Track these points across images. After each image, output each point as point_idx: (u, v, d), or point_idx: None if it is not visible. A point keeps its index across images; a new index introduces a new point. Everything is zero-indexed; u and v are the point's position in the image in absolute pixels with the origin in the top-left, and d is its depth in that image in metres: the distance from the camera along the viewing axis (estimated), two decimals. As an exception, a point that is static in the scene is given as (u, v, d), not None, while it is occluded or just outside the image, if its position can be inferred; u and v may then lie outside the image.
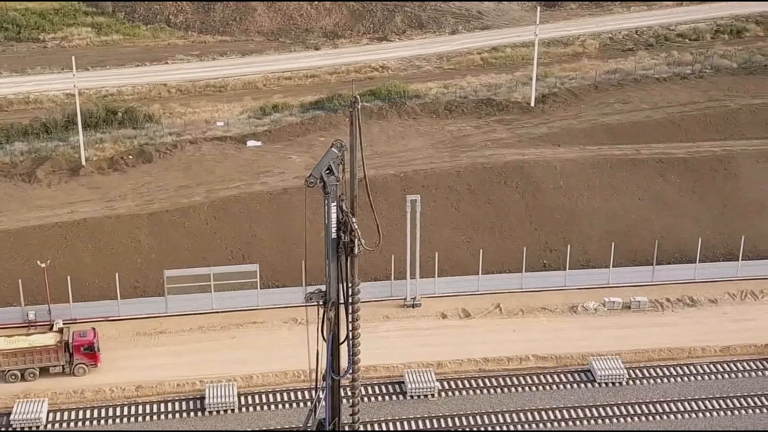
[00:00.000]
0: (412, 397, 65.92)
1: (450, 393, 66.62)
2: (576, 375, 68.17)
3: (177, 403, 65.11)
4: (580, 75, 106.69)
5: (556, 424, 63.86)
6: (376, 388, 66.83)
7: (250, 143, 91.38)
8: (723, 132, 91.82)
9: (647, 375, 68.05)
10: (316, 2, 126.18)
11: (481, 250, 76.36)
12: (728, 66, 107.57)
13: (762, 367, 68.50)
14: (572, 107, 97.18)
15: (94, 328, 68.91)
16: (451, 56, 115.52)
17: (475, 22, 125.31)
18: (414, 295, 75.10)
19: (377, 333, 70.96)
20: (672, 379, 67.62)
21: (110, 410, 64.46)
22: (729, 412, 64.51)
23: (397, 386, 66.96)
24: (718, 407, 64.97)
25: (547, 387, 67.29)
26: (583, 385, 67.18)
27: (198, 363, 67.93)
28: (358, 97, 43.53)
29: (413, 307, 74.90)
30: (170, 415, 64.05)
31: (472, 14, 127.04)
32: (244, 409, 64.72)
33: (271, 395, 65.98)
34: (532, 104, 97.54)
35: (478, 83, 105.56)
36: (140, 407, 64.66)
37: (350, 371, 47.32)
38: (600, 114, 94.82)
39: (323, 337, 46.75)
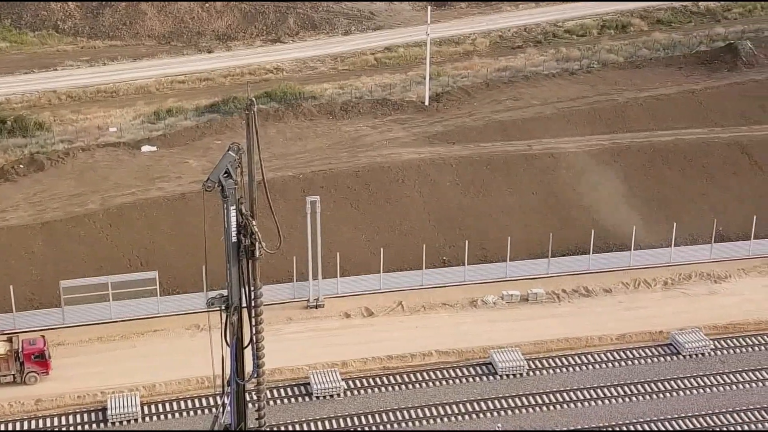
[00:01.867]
0: (318, 397, 66.07)
1: (356, 392, 66.99)
2: (478, 368, 69.26)
3: (78, 416, 63.97)
4: (472, 73, 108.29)
5: (460, 417, 64.81)
6: (282, 390, 66.77)
7: (145, 148, 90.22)
8: (611, 125, 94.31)
9: (547, 365, 69.55)
10: (208, 5, 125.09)
11: (381, 249, 76.97)
12: (615, 60, 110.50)
13: (656, 354, 70.68)
14: (465, 105, 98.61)
15: (43, 336, 67.44)
16: (345, 57, 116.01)
17: (367, 23, 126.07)
18: (317, 296, 75.26)
19: (281, 335, 70.90)
20: (571, 369, 69.26)
21: (9, 425, 62.95)
22: (627, 399, 66.40)
23: (302, 388, 67.01)
24: (616, 394, 66.79)
25: (450, 381, 68.18)
26: (485, 378, 68.32)
27: (99, 374, 66.80)
28: (253, 99, 43.41)
29: (316, 308, 75.05)
30: (71, 428, 62.89)
31: (364, 15, 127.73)
32: (147, 418, 63.95)
33: (175, 403, 65.30)
34: (427, 103, 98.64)
35: (372, 83, 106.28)
36: (40, 422, 63.31)
37: (255, 375, 47.19)
38: (492, 111, 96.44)
39: (227, 341, 46.50)
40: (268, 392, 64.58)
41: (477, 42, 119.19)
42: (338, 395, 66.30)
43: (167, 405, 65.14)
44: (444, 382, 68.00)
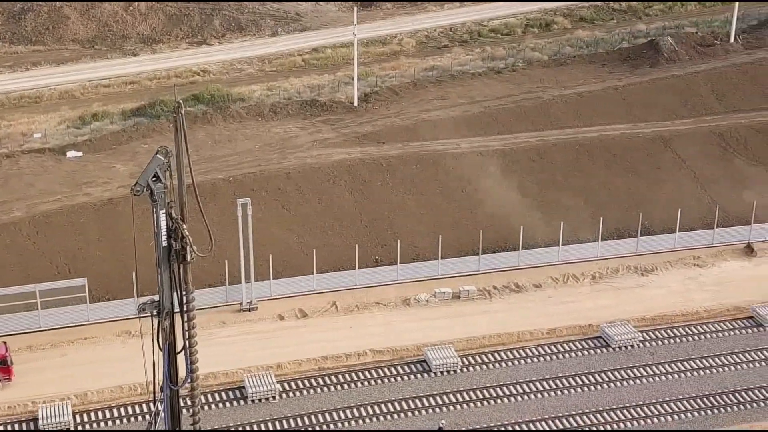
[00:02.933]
0: (253, 401, 65.86)
1: (291, 394, 66.96)
2: (412, 366, 69.67)
3: (9, 426, 62.86)
4: (400, 73, 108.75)
5: (396, 416, 65.14)
6: (217, 395, 66.44)
7: (71, 154, 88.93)
8: (537, 123, 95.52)
9: (480, 361, 70.26)
10: (132, 8, 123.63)
11: (314, 250, 76.97)
12: (539, 59, 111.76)
13: (587, 347, 71.82)
14: (394, 105, 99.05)
15: (5, 342, 66.07)
16: (272, 58, 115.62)
17: (294, 24, 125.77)
18: (250, 299, 74.98)
19: (215, 340, 70.46)
20: (503, 364, 70.03)
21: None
22: (559, 392, 67.38)
23: (237, 392, 66.75)
24: (548, 387, 67.74)
25: (385, 380, 68.51)
26: (419, 375, 68.76)
27: (29, 384, 65.75)
28: (181, 102, 43.06)
29: (250, 311, 74.78)
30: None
31: (290, 16, 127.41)
32: (80, 427, 63.12)
33: (107, 411, 64.59)
34: (355, 104, 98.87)
35: (301, 84, 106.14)
36: (-31, 434, 62.22)
37: (189, 380, 46.87)
38: (421, 111, 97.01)
39: (159, 347, 46.14)
40: (202, 397, 64.20)
41: (404, 42, 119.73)
42: (273, 398, 66.19)
43: (100, 413, 64.40)
44: (379, 381, 68.30)
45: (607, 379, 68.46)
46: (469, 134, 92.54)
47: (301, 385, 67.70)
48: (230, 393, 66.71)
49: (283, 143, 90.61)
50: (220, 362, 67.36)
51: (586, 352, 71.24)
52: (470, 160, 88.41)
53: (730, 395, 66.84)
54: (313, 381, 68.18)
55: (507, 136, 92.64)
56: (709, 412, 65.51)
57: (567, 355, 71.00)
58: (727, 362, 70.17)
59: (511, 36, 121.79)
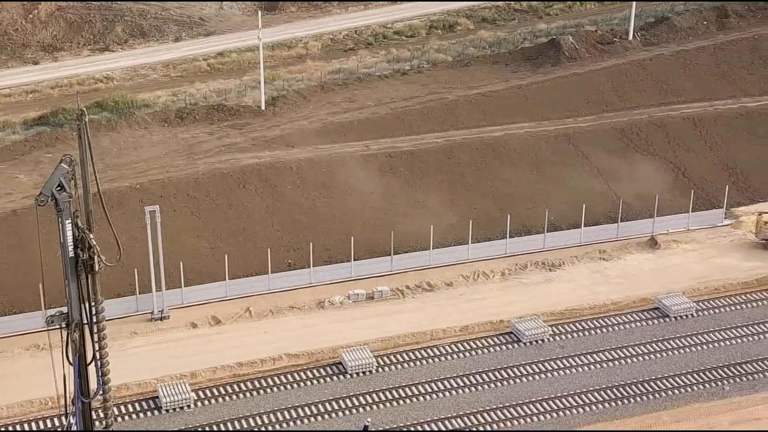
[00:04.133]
0: (167, 410, 65.20)
1: (206, 402, 66.46)
2: (328, 369, 69.80)
3: None
4: (306, 76, 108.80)
5: (312, 419, 65.19)
6: (130, 406, 65.59)
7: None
8: (444, 123, 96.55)
9: (395, 361, 70.74)
10: (32, 15, 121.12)
11: (226, 256, 76.53)
12: (444, 60, 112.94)
13: (498, 342, 72.88)
14: (302, 108, 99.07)
15: None
16: (177, 63, 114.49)
17: (198, 29, 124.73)
18: (161, 308, 74.18)
19: (126, 350, 69.62)
20: (418, 362, 70.65)
21: None
22: (473, 388, 68.24)
23: (151, 402, 66.00)
24: (462, 384, 68.54)
25: (302, 384, 68.51)
26: (335, 378, 68.94)
27: (-66, 402, 64.10)
28: (84, 109, 42.51)
29: (161, 320, 73.99)
30: None
31: (194, 21, 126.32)
32: (-11, 444, 61.81)
33: (18, 426, 63.25)
34: (263, 107, 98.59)
35: (207, 89, 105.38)
36: None
37: (101, 392, 46.28)
38: (329, 113, 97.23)
39: (69, 360, 45.46)
40: (115, 409, 63.32)
41: (309, 45, 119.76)
42: (188, 407, 65.62)
43: (10, 429, 62.97)
44: (295, 385, 68.27)
45: (519, 374, 69.59)
46: (378, 136, 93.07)
47: (216, 393, 67.25)
48: (144, 403, 65.91)
49: (191, 149, 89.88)
50: (133, 373, 66.56)
51: (498, 348, 72.33)
52: (379, 161, 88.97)
53: (638, 385, 68.54)
54: (228, 388, 67.80)
55: (415, 137, 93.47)
56: (618, 402, 67.07)
57: (479, 351, 71.95)
58: (634, 353, 71.94)
59: (416, 38, 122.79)
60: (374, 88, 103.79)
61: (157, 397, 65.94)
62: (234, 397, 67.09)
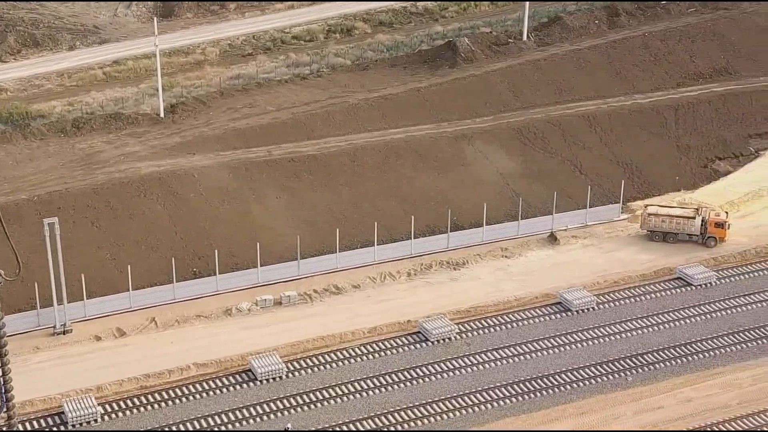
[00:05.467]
0: (74, 425, 64.13)
1: (113, 415, 65.67)
2: (238, 376, 69.56)
3: None
4: (206, 83, 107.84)
5: (223, 428, 64.89)
6: (35, 422, 64.39)
7: None
8: (346, 127, 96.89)
9: (305, 365, 70.88)
10: None
11: (129, 266, 75.53)
12: (343, 63, 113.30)
13: (407, 342, 73.63)
14: (202, 115, 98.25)
15: None
16: (72, 73, 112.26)
17: (92, 37, 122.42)
18: (63, 322, 72.86)
19: (29, 366, 68.30)
20: (328, 366, 70.92)
21: None
22: (383, 389, 68.83)
23: (57, 417, 64.89)
24: (372, 386, 69.08)
25: (211, 393, 68.14)
26: (245, 385, 68.71)
27: None
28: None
29: (64, 334, 72.70)
30: None
31: (88, 29, 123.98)
32: None
33: None
34: (162, 115, 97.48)
35: (104, 98, 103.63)
36: None
37: (4, 410, 45.37)
38: (230, 119, 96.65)
39: (-28, 378, 44.41)
40: (20, 426, 62.13)
41: (207, 51, 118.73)
42: (95, 421, 64.76)
43: None
44: (205, 395, 67.87)
45: (428, 373, 70.46)
46: (280, 141, 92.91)
47: (124, 406, 66.50)
48: (49, 419, 64.82)
49: (89, 159, 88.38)
50: (37, 388, 65.41)
51: (406, 348, 73.04)
52: (282, 166, 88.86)
53: (544, 379, 70.04)
54: (135, 400, 67.05)
55: (318, 141, 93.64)
56: (525, 397, 68.44)
57: (389, 352, 72.56)
58: (539, 348, 73.47)
59: (314, 42, 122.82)
60: (275, 93, 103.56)
61: (63, 412, 64.81)
62: (142, 409, 66.36)
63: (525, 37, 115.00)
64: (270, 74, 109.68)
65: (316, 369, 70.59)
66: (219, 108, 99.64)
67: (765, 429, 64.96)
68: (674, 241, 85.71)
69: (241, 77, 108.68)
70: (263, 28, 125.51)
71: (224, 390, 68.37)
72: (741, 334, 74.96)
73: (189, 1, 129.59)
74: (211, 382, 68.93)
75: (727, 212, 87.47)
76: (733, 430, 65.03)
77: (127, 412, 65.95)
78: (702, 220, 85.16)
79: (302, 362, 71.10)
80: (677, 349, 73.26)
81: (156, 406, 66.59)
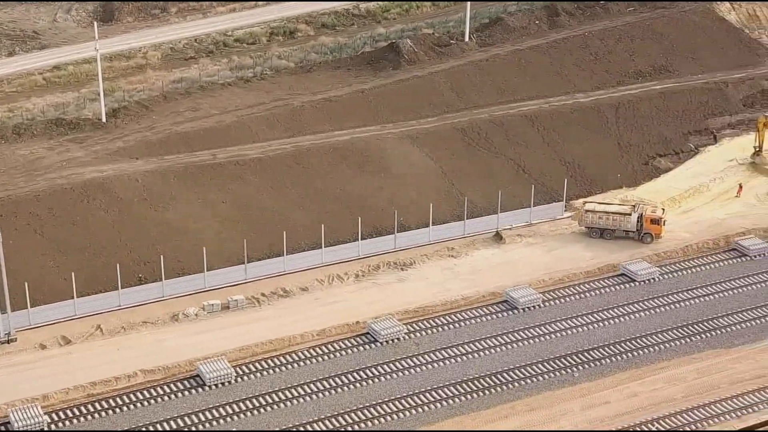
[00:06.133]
0: (20, 435, 63.38)
1: (60, 424, 64.98)
2: (186, 382, 69.12)
3: None
4: (148, 87, 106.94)
5: (173, 433, 64.66)
6: (-20, 433, 63.46)
7: None
8: (290, 129, 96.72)
9: (254, 369, 70.65)
10: None
11: (73, 274, 74.66)
12: (286, 66, 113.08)
13: (356, 344, 73.72)
14: (144, 119, 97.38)
15: None
16: (11, 79, 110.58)
17: (32, 43, 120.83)
18: (7, 330, 71.81)
19: (-27, 376, 67.27)
20: (277, 369, 70.78)
21: None
22: (332, 391, 68.88)
23: (2, 427, 63.93)
24: (322, 388, 69.09)
25: (159, 399, 67.67)
26: (193, 391, 68.33)
27: None
28: None
29: (8, 343, 71.66)
30: None
31: (27, 34, 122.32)
32: None
33: None
34: (104, 120, 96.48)
35: (44, 104, 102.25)
36: None
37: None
38: (173, 123, 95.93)
39: None
40: (-35, 438, 61.22)
41: (149, 55, 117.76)
42: (42, 431, 63.89)
43: None
44: (152, 401, 67.38)
45: (377, 374, 70.65)
46: (224, 144, 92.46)
47: (71, 414, 65.80)
48: (-5, 430, 63.94)
49: (30, 165, 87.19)
50: (-18, 399, 64.43)
51: (355, 350, 73.14)
52: (227, 170, 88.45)
53: (492, 377, 70.61)
54: (82, 408, 66.37)
55: (262, 143, 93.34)
56: (474, 395, 68.94)
57: (338, 354, 72.61)
58: (487, 346, 74.02)
59: (257, 45, 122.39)
60: (218, 96, 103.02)
61: (9, 422, 63.93)
62: (89, 417, 65.73)
63: (467, 38, 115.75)
64: (213, 77, 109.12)
65: (265, 373, 70.39)
66: (162, 112, 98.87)
67: (686, 429, 65.63)
68: (611, 238, 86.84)
69: (184, 81, 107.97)
70: (205, 31, 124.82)
71: (172, 396, 67.92)
72: (685, 329, 76.23)
73: (132, 1, 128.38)
74: (158, 389, 68.43)
75: (664, 209, 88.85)
76: (654, 430, 65.61)
77: (74, 421, 65.27)
78: (638, 217, 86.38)
79: (251, 366, 70.86)
80: (623, 344, 74.29)
81: (103, 413, 65.98)
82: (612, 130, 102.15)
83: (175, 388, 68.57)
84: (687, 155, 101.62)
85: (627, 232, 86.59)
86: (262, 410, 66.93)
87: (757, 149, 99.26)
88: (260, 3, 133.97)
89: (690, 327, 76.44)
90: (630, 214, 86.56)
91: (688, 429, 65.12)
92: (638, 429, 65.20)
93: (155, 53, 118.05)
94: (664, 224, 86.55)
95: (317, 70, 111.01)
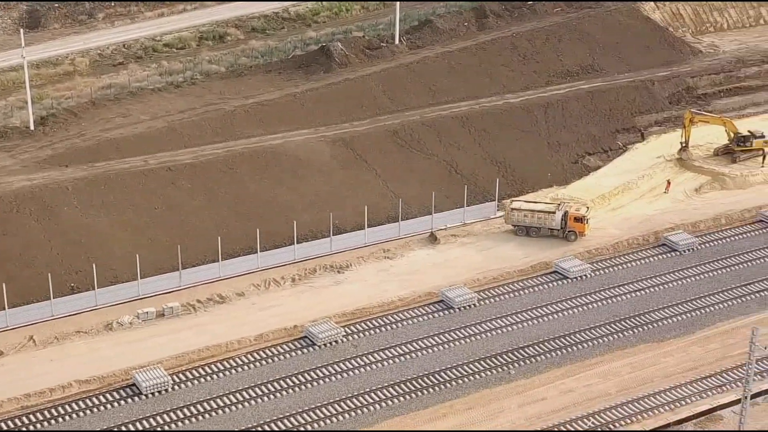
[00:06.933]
0: (-48, 451, 62.22)
1: (-6, 438, 63.87)
2: (122, 392, 68.43)
3: None
4: (76, 93, 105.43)
5: (110, 443, 63.97)
6: None
7: None
8: (223, 134, 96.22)
9: (191, 377, 70.14)
10: None
11: (3, 284, 73.45)
12: (217, 70, 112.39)
13: (294, 348, 73.65)
14: (73, 126, 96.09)
15: None
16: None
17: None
18: (-63, 344, 70.49)
19: None
20: (215, 376, 70.37)
21: None
22: (272, 396, 68.74)
23: (-67, 444, 62.79)
24: (261, 393, 68.88)
25: (95, 409, 66.90)
26: (129, 400, 67.66)
27: None
28: None
29: (-62, 357, 70.34)
30: None
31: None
32: None
33: None
34: (32, 128, 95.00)
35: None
36: None
37: None
38: (102, 130, 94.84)
39: None
40: None
41: (77, 62, 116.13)
42: (-25, 444, 62.86)
43: None
44: (88, 411, 66.66)
45: (316, 377, 70.65)
46: (156, 150, 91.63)
47: (5, 427, 64.67)
48: (-74, 446, 62.58)
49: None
50: None
51: (294, 353, 73.08)
52: (159, 176, 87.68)
53: (430, 377, 71.06)
54: (17, 421, 65.34)
55: (194, 149, 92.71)
56: (412, 395, 69.32)
57: (276, 358, 72.46)
58: (424, 346, 74.48)
59: (186, 50, 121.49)
60: (148, 102, 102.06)
61: (-60, 438, 62.81)
62: (24, 429, 64.69)
63: (397, 41, 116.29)
64: (142, 83, 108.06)
65: (202, 380, 69.95)
66: (91, 119, 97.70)
67: (599, 430, 66.65)
68: (537, 236, 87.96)
69: (113, 87, 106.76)
70: (133, 36, 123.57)
71: (108, 406, 67.19)
72: (618, 324, 77.53)
73: (59, 2, 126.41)
74: (94, 399, 67.64)
75: (588, 207, 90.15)
76: (574, 430, 66.50)
77: (8, 434, 64.31)
78: (563, 215, 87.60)
79: (188, 374, 70.36)
80: (557, 341, 75.30)
81: (38, 425, 65.02)
82: (542, 129, 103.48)
83: (111, 398, 67.83)
84: (615, 153, 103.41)
85: (552, 230, 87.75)
86: (200, 417, 66.52)
87: (684, 145, 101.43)
88: (188, 8, 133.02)
89: (622, 322, 77.76)
90: (554, 213, 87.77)
91: (600, 430, 65.83)
92: (556, 429, 65.89)
93: (83, 59, 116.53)
94: (587, 222, 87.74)
95: (248, 74, 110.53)
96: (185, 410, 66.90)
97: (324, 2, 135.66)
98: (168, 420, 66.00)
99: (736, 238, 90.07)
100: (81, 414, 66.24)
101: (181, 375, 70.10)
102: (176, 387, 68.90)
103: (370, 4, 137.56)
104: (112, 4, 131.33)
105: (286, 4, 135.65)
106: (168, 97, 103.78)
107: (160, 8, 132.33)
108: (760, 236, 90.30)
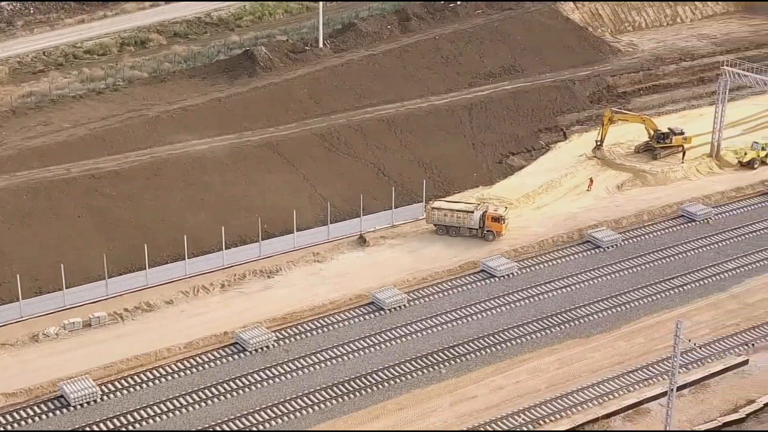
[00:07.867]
0: None
1: None
2: (49, 404, 67.37)
3: None
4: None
5: (39, 457, 62.97)
6: None
7: None
8: (147, 140, 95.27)
9: (119, 387, 69.33)
10: None
11: (-77, 299, 71.97)
12: (139, 76, 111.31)
13: (224, 354, 73.25)
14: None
15: None
16: None
17: None
18: None
19: None
20: (144, 385, 69.63)
21: None
22: (203, 404, 68.26)
23: None
24: (192, 401, 68.36)
25: (22, 422, 65.85)
26: (57, 412, 66.72)
27: None
28: None
29: None
30: None
31: None
32: None
33: None
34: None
35: None
36: None
37: None
38: (24, 138, 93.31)
39: None
40: None
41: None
42: None
43: None
44: (15, 425, 65.59)
45: (247, 383, 70.38)
46: (78, 158, 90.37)
47: (-71, 445, 63.32)
48: None
49: None
50: None
51: (224, 360, 72.69)
52: (83, 184, 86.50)
53: (362, 379, 71.27)
54: (-59, 437, 63.99)
55: (118, 156, 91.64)
56: (345, 398, 69.47)
57: (207, 365, 72.01)
58: (355, 348, 74.69)
59: (108, 56, 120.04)
60: (70, 109, 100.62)
61: None
62: (-51, 446, 63.43)
63: (321, 44, 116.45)
64: (64, 90, 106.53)
65: (132, 389, 69.19)
66: (12, 127, 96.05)
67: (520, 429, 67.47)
68: (457, 235, 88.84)
69: (34, 95, 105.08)
70: (54, 43, 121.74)
71: (36, 419, 66.13)
72: (545, 320, 78.65)
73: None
74: (21, 412, 66.51)
75: (507, 207, 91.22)
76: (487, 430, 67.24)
77: (-68, 452, 62.93)
78: (481, 215, 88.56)
79: (117, 384, 69.55)
80: (486, 339, 76.11)
81: (-37, 442, 63.80)
82: (466, 130, 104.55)
83: (38, 410, 66.77)
84: (539, 152, 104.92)
85: (471, 229, 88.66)
86: (130, 427, 65.81)
87: (599, 143, 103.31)
88: (109, 14, 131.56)
89: (549, 319, 78.91)
90: (473, 212, 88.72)
91: (522, 430, 66.67)
92: (481, 429, 66.53)
93: (2, 68, 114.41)
94: (504, 222, 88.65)
95: (171, 80, 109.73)
96: (115, 421, 66.14)
97: (247, 6, 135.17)
98: (97, 431, 65.14)
99: (658, 233, 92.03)
100: (8, 428, 65.09)
101: (110, 385, 69.27)
102: (105, 397, 68.09)
103: (293, 7, 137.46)
104: (31, 11, 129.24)
105: (208, 8, 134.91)
106: (90, 104, 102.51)
107: (80, 14, 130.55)
108: (681, 231, 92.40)
